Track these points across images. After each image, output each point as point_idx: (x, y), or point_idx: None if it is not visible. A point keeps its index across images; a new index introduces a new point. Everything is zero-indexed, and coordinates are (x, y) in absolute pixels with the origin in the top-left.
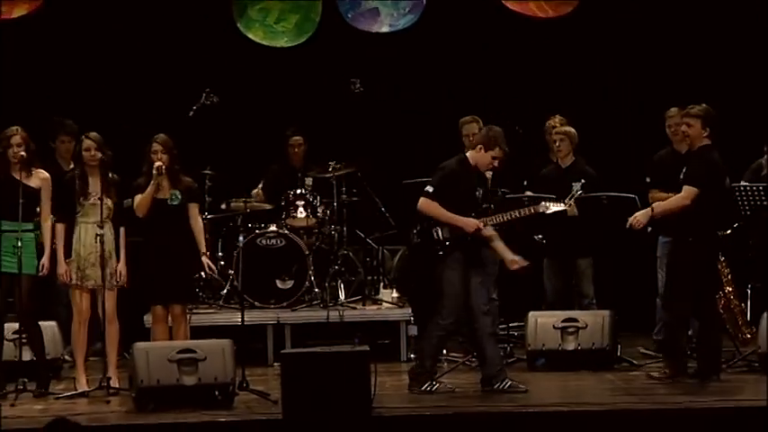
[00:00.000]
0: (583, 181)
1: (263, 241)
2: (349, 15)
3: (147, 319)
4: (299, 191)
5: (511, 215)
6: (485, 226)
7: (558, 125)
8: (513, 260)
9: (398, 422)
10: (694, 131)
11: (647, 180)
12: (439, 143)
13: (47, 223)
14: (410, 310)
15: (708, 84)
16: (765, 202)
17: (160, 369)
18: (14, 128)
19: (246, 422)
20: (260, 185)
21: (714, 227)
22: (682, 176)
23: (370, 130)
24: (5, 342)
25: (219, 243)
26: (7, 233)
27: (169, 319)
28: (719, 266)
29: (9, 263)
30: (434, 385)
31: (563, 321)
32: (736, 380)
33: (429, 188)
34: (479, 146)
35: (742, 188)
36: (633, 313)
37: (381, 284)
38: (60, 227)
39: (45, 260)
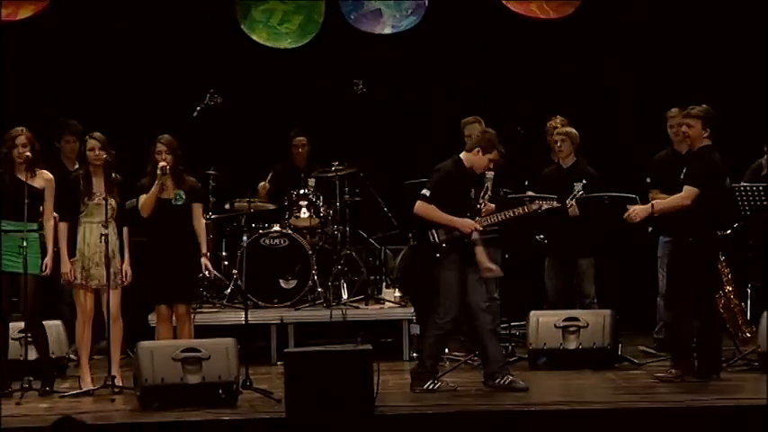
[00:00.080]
0: (584, 181)
1: (267, 241)
2: (352, 17)
3: (152, 318)
4: (302, 191)
5: (505, 215)
6: (481, 226)
7: (559, 126)
8: (489, 268)
9: (401, 421)
10: (694, 132)
11: (648, 180)
12: (441, 144)
13: (49, 223)
14: (412, 310)
15: (708, 84)
16: (765, 203)
17: (164, 368)
18: (19, 128)
19: (250, 421)
20: (267, 178)
21: (714, 227)
22: (682, 177)
23: (373, 131)
24: (11, 341)
25: (223, 243)
26: (12, 233)
27: (173, 318)
28: (720, 266)
29: (14, 262)
30: (436, 384)
31: (564, 321)
32: (736, 379)
33: (426, 192)
34: (477, 149)
35: (742, 188)
36: (634, 312)
37: (384, 284)
38: (63, 226)
39: (48, 260)
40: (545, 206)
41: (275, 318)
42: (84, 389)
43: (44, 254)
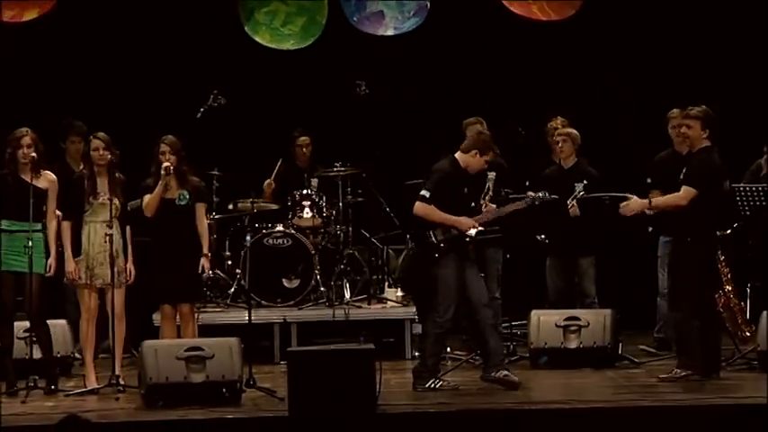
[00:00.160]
0: (585, 182)
1: (270, 241)
2: (354, 18)
3: (156, 317)
4: (305, 191)
5: (501, 212)
6: (479, 224)
7: (559, 126)
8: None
9: (403, 419)
10: (694, 133)
11: (648, 181)
12: (442, 144)
13: (52, 224)
14: (414, 309)
15: (708, 85)
16: (765, 203)
17: (169, 367)
18: (24, 129)
19: (253, 419)
20: (273, 175)
21: (713, 227)
22: (681, 177)
23: (375, 132)
24: (16, 340)
25: (227, 243)
26: (17, 233)
27: (177, 317)
28: (719, 266)
29: (19, 262)
30: (438, 383)
31: (565, 320)
32: (736, 378)
33: (425, 193)
34: (474, 151)
35: (741, 189)
36: (634, 312)
37: (386, 283)
38: (66, 225)
39: (52, 260)
40: (539, 200)
41: (278, 317)
42: (89, 387)
43: (48, 254)
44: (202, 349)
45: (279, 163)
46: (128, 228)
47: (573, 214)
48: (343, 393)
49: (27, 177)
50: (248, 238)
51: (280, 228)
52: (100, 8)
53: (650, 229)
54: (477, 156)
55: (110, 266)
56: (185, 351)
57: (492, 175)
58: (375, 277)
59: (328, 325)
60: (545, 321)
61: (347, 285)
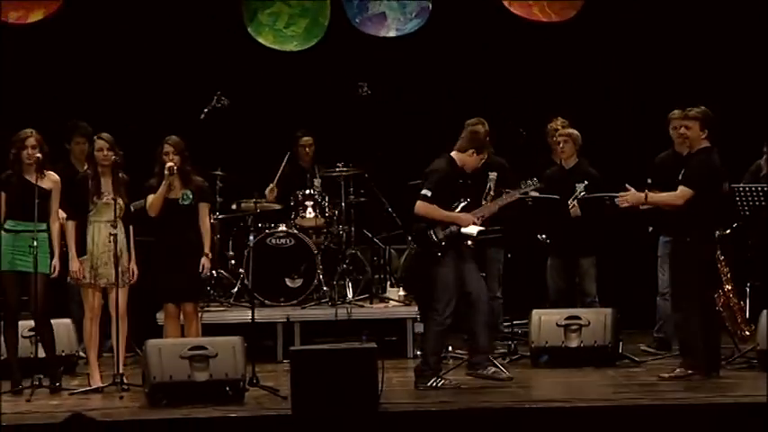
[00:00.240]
0: (586, 182)
1: (273, 241)
2: (357, 20)
3: (160, 316)
4: (308, 191)
5: (497, 203)
6: (478, 218)
7: (560, 127)
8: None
9: (405, 418)
10: (693, 133)
11: (648, 181)
12: (444, 145)
13: (55, 224)
14: (416, 308)
15: (708, 85)
16: (764, 203)
17: (172, 365)
18: (29, 130)
19: (256, 417)
20: (275, 180)
21: (711, 228)
22: (680, 177)
23: (377, 133)
24: (21, 339)
25: (230, 242)
26: (22, 233)
27: (181, 316)
28: (719, 265)
29: (24, 262)
30: (440, 381)
31: (566, 319)
32: (736, 376)
33: (426, 192)
34: (472, 150)
35: (741, 189)
36: (635, 311)
37: (388, 283)
38: (71, 225)
39: (56, 261)
40: (531, 191)
41: (281, 316)
42: (94, 386)
43: (52, 254)
44: (206, 348)
45: (284, 162)
46: (130, 228)
47: (574, 214)
48: (345, 392)
49: (31, 178)
50: (251, 237)
51: (283, 228)
52: (104, 10)
53: (650, 229)
54: (474, 155)
55: (114, 266)
56: (189, 350)
57: (493, 175)
58: (377, 277)
59: (331, 324)
60: (546, 320)
61: (350, 285)
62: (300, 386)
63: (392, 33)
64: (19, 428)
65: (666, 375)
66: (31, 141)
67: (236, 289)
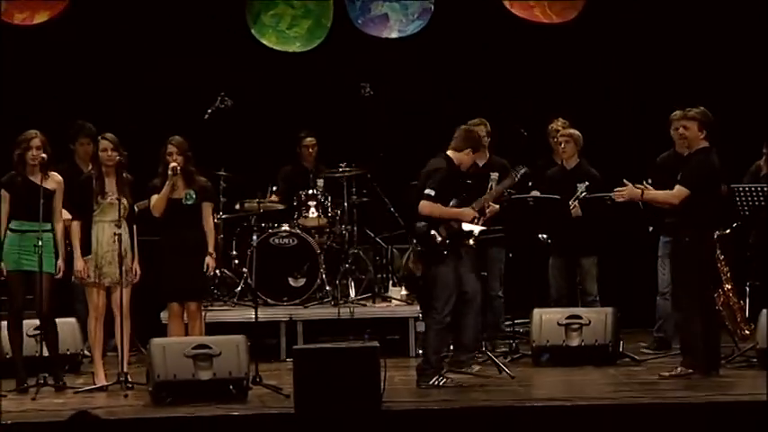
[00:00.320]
0: (587, 183)
1: (276, 240)
2: (359, 21)
3: (164, 315)
4: (310, 191)
5: (491, 195)
6: (477, 212)
7: (561, 128)
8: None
9: (407, 416)
10: (691, 134)
11: (649, 181)
12: (445, 145)
13: (59, 224)
14: (418, 308)
15: (708, 86)
16: (764, 203)
17: (176, 364)
18: (33, 131)
19: (260, 416)
20: (274, 189)
21: (710, 228)
22: (678, 177)
23: (380, 133)
24: (26, 338)
25: (233, 242)
26: (28, 233)
27: (185, 315)
28: (719, 265)
29: (30, 261)
30: (441, 380)
31: (567, 318)
32: (735, 375)
33: (430, 191)
34: (468, 149)
35: (741, 189)
36: (635, 310)
37: (390, 282)
38: (76, 224)
39: (61, 262)
40: (521, 173)
41: (284, 315)
42: (98, 385)
43: (57, 254)
44: (210, 347)
45: (277, 187)
46: (134, 227)
47: (575, 215)
48: (348, 390)
49: (35, 179)
50: (255, 237)
51: (286, 227)
52: (108, 11)
53: (651, 229)
54: (470, 153)
55: (118, 265)
56: (193, 349)
57: (495, 175)
58: (379, 276)
59: (333, 323)
60: (547, 320)
61: (352, 284)
62: (303, 385)
63: (394, 34)
64: (24, 427)
65: (666, 374)
66: (36, 142)
67: (239, 288)
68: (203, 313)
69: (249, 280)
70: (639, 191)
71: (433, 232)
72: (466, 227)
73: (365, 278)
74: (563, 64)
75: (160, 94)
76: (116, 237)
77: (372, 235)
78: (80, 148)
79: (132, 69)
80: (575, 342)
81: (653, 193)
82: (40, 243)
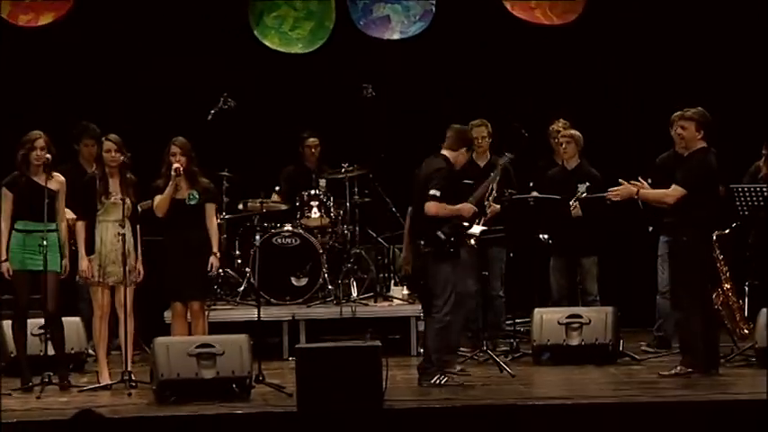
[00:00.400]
0: (588, 184)
1: (279, 240)
2: (361, 23)
3: (167, 315)
4: (313, 192)
5: (486, 187)
6: (476, 203)
7: (562, 129)
8: None
9: (409, 414)
10: (688, 134)
11: (649, 181)
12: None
13: (63, 224)
14: (420, 307)
15: (708, 86)
16: (762, 203)
17: (180, 363)
18: (37, 132)
19: (262, 414)
20: (276, 189)
21: (707, 227)
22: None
23: (382, 134)
24: (30, 337)
25: (236, 242)
26: (34, 233)
27: (188, 315)
28: (719, 264)
29: (35, 261)
30: (443, 379)
31: (567, 317)
32: (734, 374)
33: (436, 192)
34: (464, 148)
35: (740, 189)
36: (635, 310)
37: (392, 282)
38: (81, 225)
39: (66, 262)
40: (505, 163)
41: (287, 314)
42: (102, 383)
43: (62, 254)
44: (213, 346)
45: (279, 188)
46: (138, 227)
47: (575, 215)
48: (350, 389)
49: (39, 179)
50: (257, 237)
51: (288, 227)
52: (112, 12)
53: (650, 228)
54: (465, 152)
55: (122, 265)
56: (196, 348)
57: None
58: (381, 276)
59: (336, 322)
60: (548, 319)
61: (354, 283)
62: (306, 383)
63: (396, 36)
64: (29, 425)
65: (666, 373)
66: (41, 143)
67: (242, 288)
68: (206, 313)
69: (252, 279)
70: (635, 189)
71: (438, 233)
72: (467, 226)
73: (367, 278)
74: (563, 65)
75: (163, 95)
76: (120, 236)
77: (374, 235)
78: (84, 148)
79: (136, 71)
80: (575, 341)
81: (648, 192)
82: (44, 243)
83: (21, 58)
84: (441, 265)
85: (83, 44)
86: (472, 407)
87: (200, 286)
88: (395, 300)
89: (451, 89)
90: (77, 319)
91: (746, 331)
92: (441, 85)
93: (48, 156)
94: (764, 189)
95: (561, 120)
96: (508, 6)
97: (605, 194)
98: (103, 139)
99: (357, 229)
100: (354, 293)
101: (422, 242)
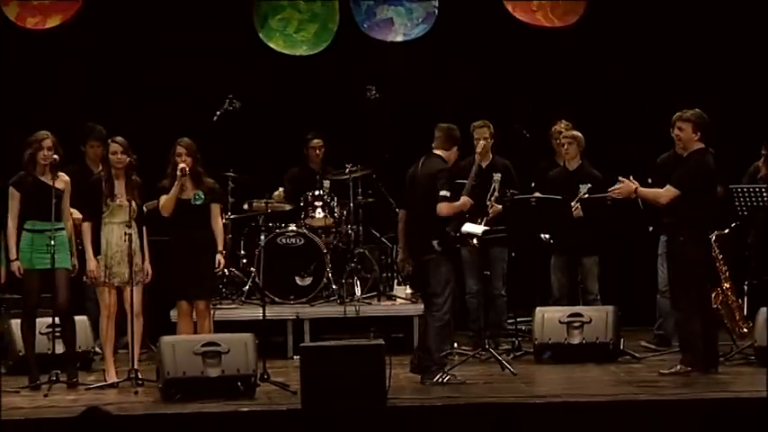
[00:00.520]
0: (589, 185)
1: (283, 240)
2: (365, 25)
3: (173, 314)
4: (317, 192)
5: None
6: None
7: (564, 130)
8: None
9: (411, 412)
10: (685, 135)
11: (649, 181)
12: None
13: (69, 223)
14: (423, 306)
15: (708, 87)
16: (762, 203)
17: (186, 361)
18: (45, 132)
19: (267, 412)
20: (281, 188)
21: (705, 228)
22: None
23: (385, 135)
24: (39, 335)
25: (241, 242)
26: (42, 232)
27: (194, 314)
28: (718, 264)
29: (44, 260)
30: (445, 377)
31: (569, 316)
32: (734, 372)
33: (446, 193)
34: (456, 147)
35: (739, 189)
36: (636, 309)
37: (395, 281)
38: (87, 225)
39: (74, 260)
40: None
41: (291, 313)
42: (109, 381)
43: (71, 252)
44: (218, 345)
45: (283, 188)
46: (143, 228)
47: (576, 215)
48: (354, 387)
49: (46, 179)
50: (262, 237)
51: (293, 227)
52: (118, 14)
53: (651, 228)
54: (456, 150)
55: (128, 265)
56: (202, 346)
57: (498, 176)
58: (384, 275)
59: (339, 321)
60: (549, 318)
61: (358, 283)
62: (310, 381)
63: (399, 38)
64: (37, 422)
65: (666, 371)
66: (48, 143)
67: (247, 287)
68: (212, 312)
69: (257, 279)
70: (634, 186)
71: (446, 231)
72: (469, 227)
73: (370, 277)
74: (565, 66)
75: (169, 97)
76: (126, 237)
77: (378, 235)
78: (90, 150)
79: (142, 72)
80: (576, 340)
81: (645, 191)
82: (52, 242)
83: (27, 60)
84: (442, 264)
85: (89, 46)
86: (474, 405)
87: (206, 285)
88: (398, 299)
89: (454, 90)
90: (84, 317)
91: (746, 330)
92: (443, 87)
93: (55, 156)
94: (764, 189)
95: (563, 121)
96: (510, 8)
97: (606, 195)
98: (109, 140)
99: (361, 229)
100: (358, 293)
101: (435, 242)
